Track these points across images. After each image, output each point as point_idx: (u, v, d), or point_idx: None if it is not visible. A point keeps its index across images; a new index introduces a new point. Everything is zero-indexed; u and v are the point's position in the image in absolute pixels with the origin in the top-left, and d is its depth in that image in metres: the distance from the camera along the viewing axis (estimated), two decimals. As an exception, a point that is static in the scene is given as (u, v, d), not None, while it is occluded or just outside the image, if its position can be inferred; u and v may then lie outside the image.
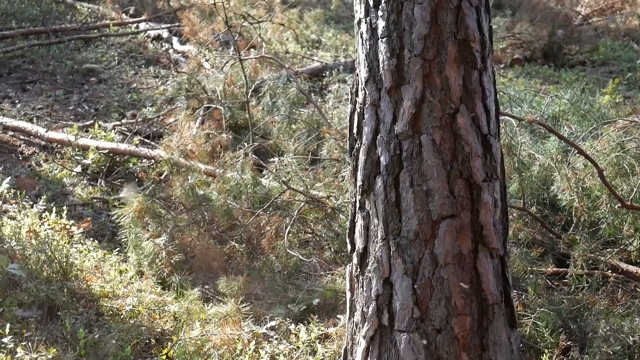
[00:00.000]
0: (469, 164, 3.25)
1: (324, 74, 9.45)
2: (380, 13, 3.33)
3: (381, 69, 3.33)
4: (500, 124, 5.37)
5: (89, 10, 12.34)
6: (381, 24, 3.33)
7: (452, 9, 3.26)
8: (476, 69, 3.29)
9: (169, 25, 11.69)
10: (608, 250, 5.11)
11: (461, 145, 3.24)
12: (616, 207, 5.04)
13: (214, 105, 7.21)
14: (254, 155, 6.08)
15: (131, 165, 6.94)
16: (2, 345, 4.17)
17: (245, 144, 6.41)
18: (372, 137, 3.36)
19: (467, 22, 3.26)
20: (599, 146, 5.36)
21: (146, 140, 7.46)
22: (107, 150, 6.92)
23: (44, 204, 6.02)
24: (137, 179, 6.72)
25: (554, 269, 5.08)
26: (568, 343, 4.33)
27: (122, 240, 5.49)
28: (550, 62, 10.92)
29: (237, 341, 4.40)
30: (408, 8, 3.27)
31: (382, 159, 3.32)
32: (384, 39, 3.32)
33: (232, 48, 8.83)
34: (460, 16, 3.26)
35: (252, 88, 7.19)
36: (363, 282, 3.42)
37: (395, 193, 3.30)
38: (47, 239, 5.25)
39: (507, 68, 10.74)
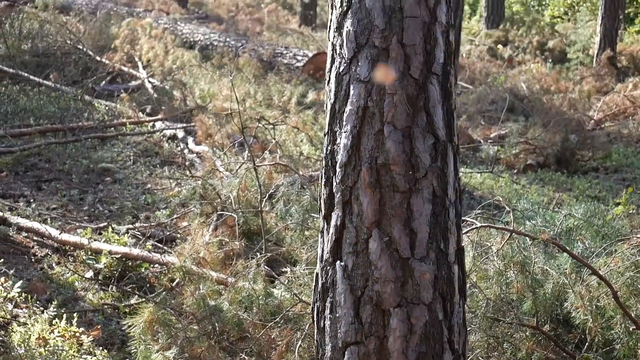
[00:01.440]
0: (379, 289, 3.25)
1: (337, 178, 9.47)
2: (325, 145, 3.51)
3: (320, 198, 3.48)
4: (513, 240, 5.44)
5: (107, 108, 12.51)
6: (323, 156, 3.50)
7: (374, 134, 3.31)
8: (399, 192, 3.29)
9: (184, 125, 11.82)
10: (623, 371, 5.05)
11: (372, 271, 3.26)
12: (631, 329, 4.99)
13: (228, 213, 7.24)
14: (266, 267, 6.08)
15: (143, 270, 6.93)
16: None
17: (258, 253, 6.41)
18: (320, 265, 3.48)
19: (388, 146, 3.29)
20: (612, 264, 5.34)
21: (159, 244, 7.47)
22: (119, 255, 6.93)
23: (55, 309, 6.00)
24: (148, 285, 6.71)
25: (568, 392, 5.02)
26: None
27: (132, 350, 5.46)
28: (563, 168, 10.95)
29: None
30: (339, 139, 3.38)
31: (319, 285, 3.41)
32: (323, 170, 3.49)
33: (246, 151, 8.90)
34: (382, 140, 3.29)
35: (266, 196, 7.23)
36: None
37: (323, 320, 3.38)
38: (56, 349, 5.22)
39: (520, 174, 10.78)
